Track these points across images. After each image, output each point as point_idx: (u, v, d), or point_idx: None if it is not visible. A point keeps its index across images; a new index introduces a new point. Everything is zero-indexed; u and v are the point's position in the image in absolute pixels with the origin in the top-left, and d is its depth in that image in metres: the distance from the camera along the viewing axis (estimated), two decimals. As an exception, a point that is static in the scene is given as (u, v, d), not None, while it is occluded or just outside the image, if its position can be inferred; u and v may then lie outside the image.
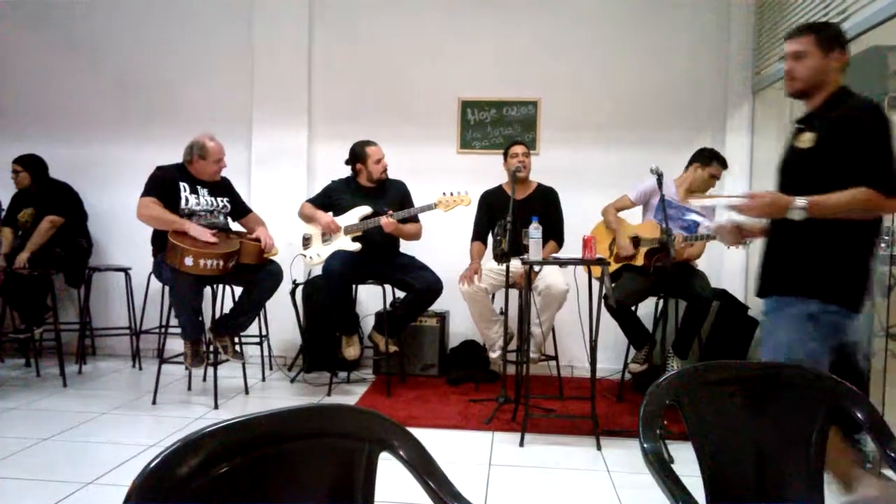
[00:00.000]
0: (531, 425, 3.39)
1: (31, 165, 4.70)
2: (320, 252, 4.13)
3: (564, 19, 4.83)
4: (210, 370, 3.95)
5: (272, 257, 3.94)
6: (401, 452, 1.15)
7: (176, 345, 4.03)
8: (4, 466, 2.85)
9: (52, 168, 4.80)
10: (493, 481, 2.84)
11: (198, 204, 3.85)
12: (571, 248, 4.00)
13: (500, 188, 4.35)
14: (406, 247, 4.34)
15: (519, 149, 4.22)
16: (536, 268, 3.80)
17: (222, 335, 3.90)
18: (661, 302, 3.90)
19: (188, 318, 3.73)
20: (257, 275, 3.87)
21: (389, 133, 4.60)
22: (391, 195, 4.22)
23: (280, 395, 4.19)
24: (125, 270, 4.84)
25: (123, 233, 4.84)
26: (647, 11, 4.79)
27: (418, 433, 1.18)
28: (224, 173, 4.04)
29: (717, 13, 4.72)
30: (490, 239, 4.13)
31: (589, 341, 3.44)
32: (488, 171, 4.51)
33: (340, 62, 4.99)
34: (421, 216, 4.20)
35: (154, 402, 3.83)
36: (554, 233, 4.16)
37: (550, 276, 3.97)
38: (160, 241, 3.76)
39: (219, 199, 3.96)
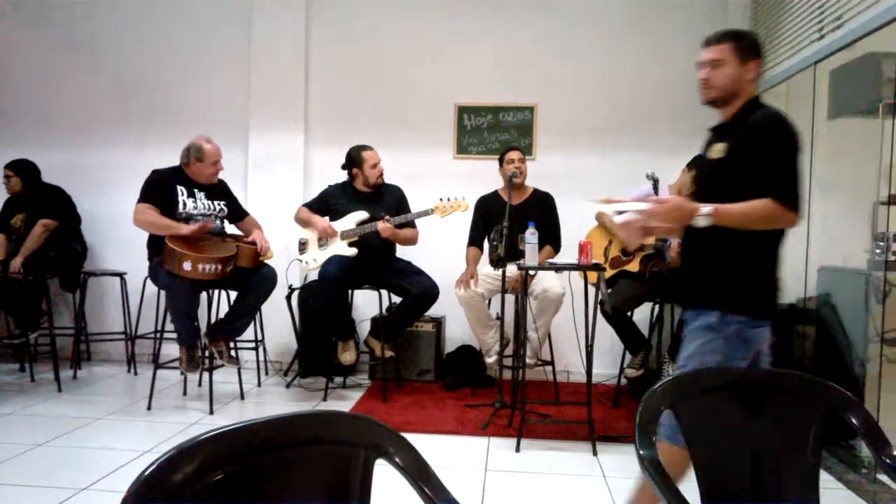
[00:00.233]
0: (527, 431, 3.38)
1: (22, 170, 4.67)
2: (316, 257, 4.12)
3: (562, 21, 4.84)
4: (205, 375, 3.94)
5: (267, 261, 3.94)
6: (396, 459, 1.15)
7: (171, 350, 4.03)
8: (-2, 472, 2.84)
9: (49, 172, 4.78)
10: (490, 487, 2.84)
11: (195, 207, 3.85)
12: (568, 253, 4.01)
13: (496, 193, 4.35)
14: (402, 252, 4.34)
15: (514, 154, 4.22)
16: (532, 273, 3.80)
17: (218, 340, 3.89)
18: (657, 307, 3.91)
19: (184, 323, 3.72)
20: (252, 279, 3.86)
21: (386, 138, 4.61)
22: (388, 200, 4.22)
23: (276, 400, 4.18)
24: (121, 275, 4.81)
25: (119, 237, 4.81)
26: (644, 13, 4.81)
27: (414, 438, 1.18)
28: (221, 177, 4.04)
29: (714, 15, 4.72)
30: (486, 244, 4.14)
31: (585, 346, 3.44)
32: (485, 176, 4.51)
33: (337, 64, 4.99)
34: (417, 221, 4.20)
35: (149, 408, 3.82)
36: (550, 238, 4.16)
37: (547, 281, 3.97)
38: (156, 245, 3.75)
39: (216, 203, 3.96)
